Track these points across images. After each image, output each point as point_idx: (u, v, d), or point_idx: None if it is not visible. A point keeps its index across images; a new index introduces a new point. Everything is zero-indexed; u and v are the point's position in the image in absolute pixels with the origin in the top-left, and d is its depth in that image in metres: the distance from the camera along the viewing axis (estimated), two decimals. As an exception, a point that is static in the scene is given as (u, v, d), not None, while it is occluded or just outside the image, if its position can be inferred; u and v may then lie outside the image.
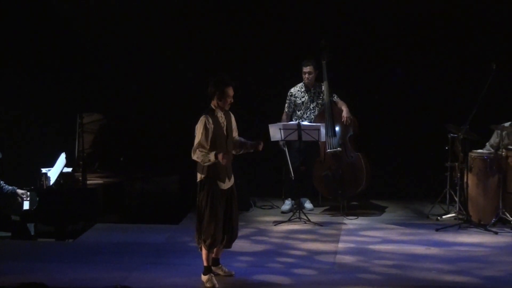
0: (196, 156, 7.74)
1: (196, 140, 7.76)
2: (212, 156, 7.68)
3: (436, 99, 11.62)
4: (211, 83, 7.84)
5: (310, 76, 10.93)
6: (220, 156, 7.66)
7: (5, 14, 11.87)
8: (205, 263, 7.86)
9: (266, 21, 11.81)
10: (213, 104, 7.86)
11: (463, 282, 7.94)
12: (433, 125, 11.09)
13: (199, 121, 7.79)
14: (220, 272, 8.04)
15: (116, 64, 11.90)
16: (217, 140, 7.78)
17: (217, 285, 7.74)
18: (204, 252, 7.84)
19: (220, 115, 7.87)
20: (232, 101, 7.87)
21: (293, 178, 10.54)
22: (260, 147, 7.99)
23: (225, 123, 7.88)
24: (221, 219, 7.82)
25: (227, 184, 7.89)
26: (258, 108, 11.74)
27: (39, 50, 11.90)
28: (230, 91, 7.82)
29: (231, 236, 8.00)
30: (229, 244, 8.05)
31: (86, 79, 11.88)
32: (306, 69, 10.93)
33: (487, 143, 10.52)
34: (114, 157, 11.26)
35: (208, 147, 7.73)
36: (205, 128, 7.73)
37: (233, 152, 8.00)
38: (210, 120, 7.76)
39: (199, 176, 7.88)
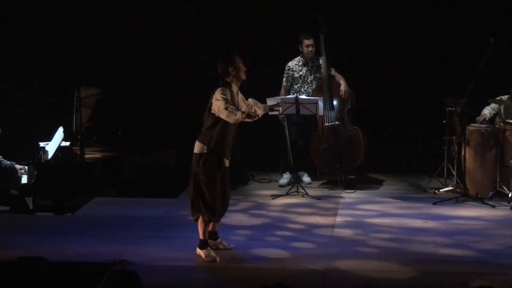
0: (225, 114, 7.53)
1: (219, 105, 7.54)
2: (239, 114, 7.59)
3: (434, 73, 11.59)
4: (219, 62, 7.78)
5: (313, 48, 10.88)
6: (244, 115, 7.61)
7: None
8: (201, 237, 7.84)
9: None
10: (229, 79, 7.79)
11: (460, 255, 7.98)
12: (431, 99, 11.08)
13: (216, 91, 7.65)
14: (220, 246, 8.04)
15: (114, 37, 11.85)
16: None
17: (217, 258, 7.74)
18: (201, 225, 7.83)
19: (236, 90, 7.79)
20: (246, 68, 7.82)
21: (289, 152, 10.54)
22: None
23: (238, 98, 7.81)
24: (218, 194, 7.78)
25: (227, 162, 7.83)
26: (256, 82, 11.68)
27: (36, 23, 11.84)
28: (239, 59, 7.79)
29: (223, 211, 7.98)
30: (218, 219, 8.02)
31: (83, 53, 11.84)
32: (310, 41, 10.85)
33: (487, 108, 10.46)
34: (112, 131, 11.24)
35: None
36: (224, 95, 7.60)
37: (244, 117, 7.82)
38: (228, 92, 7.66)
39: (200, 148, 7.71)
